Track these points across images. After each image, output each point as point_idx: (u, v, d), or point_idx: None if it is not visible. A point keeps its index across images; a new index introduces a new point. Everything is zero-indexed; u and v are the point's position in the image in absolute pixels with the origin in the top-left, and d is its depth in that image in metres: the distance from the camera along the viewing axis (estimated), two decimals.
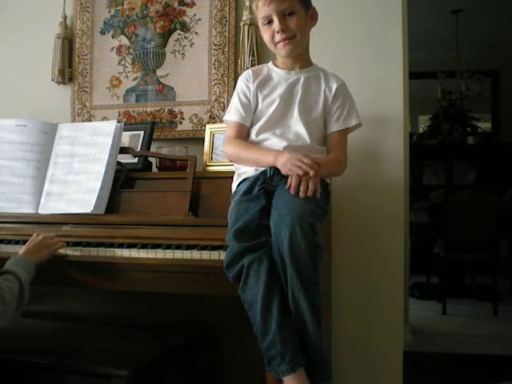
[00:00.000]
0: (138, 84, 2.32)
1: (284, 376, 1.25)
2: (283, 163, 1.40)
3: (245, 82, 1.58)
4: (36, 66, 2.44)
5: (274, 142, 1.51)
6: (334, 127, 1.56)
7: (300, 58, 1.57)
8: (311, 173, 1.34)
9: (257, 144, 1.54)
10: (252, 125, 1.57)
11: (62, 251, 1.60)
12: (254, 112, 1.56)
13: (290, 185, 1.34)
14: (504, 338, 3.30)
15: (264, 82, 1.57)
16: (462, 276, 4.54)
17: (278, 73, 1.58)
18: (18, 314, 1.40)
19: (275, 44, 1.52)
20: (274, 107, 1.54)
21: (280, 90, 1.55)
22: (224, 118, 1.63)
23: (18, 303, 1.39)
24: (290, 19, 1.49)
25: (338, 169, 1.56)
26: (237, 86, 1.61)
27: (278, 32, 1.49)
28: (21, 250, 1.54)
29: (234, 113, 1.57)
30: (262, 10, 1.50)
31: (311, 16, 1.55)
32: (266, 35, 1.54)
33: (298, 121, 1.53)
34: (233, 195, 1.53)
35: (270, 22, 1.50)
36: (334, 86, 1.57)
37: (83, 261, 1.57)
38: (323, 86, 1.57)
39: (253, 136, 1.55)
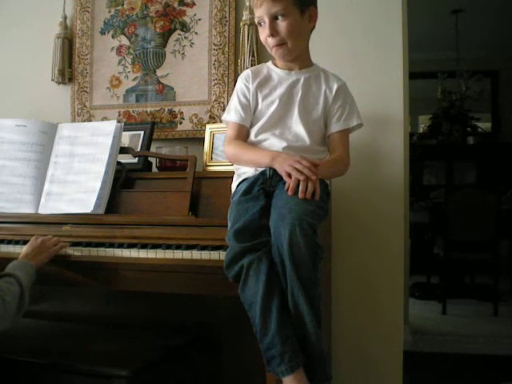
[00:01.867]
0: (137, 84, 2.32)
1: (283, 376, 1.25)
2: (280, 164, 1.40)
3: (244, 82, 1.57)
4: (36, 66, 2.44)
5: (274, 142, 1.50)
6: (335, 127, 1.55)
7: (299, 58, 1.55)
8: (311, 177, 1.34)
9: (256, 144, 1.53)
10: (252, 125, 1.56)
11: (61, 251, 1.59)
12: (254, 112, 1.56)
13: (289, 186, 1.34)
14: (504, 338, 3.30)
15: (264, 82, 1.56)
16: (462, 276, 4.54)
17: (278, 73, 1.57)
18: (19, 317, 1.40)
19: (270, 47, 1.52)
20: (273, 107, 1.53)
21: (280, 91, 1.54)
22: (223, 118, 1.61)
23: (19, 306, 1.39)
24: (281, 23, 1.46)
25: (340, 169, 1.55)
26: (236, 86, 1.60)
27: (268, 36, 1.49)
28: (20, 254, 1.54)
29: (233, 113, 1.56)
30: (256, 11, 1.50)
31: (309, 16, 1.51)
32: (261, 36, 1.54)
33: (297, 121, 1.52)
34: (232, 195, 1.53)
35: (265, 22, 1.49)
36: (335, 86, 1.56)
37: (83, 261, 1.58)
38: (324, 87, 1.56)
39: (252, 136, 1.54)
